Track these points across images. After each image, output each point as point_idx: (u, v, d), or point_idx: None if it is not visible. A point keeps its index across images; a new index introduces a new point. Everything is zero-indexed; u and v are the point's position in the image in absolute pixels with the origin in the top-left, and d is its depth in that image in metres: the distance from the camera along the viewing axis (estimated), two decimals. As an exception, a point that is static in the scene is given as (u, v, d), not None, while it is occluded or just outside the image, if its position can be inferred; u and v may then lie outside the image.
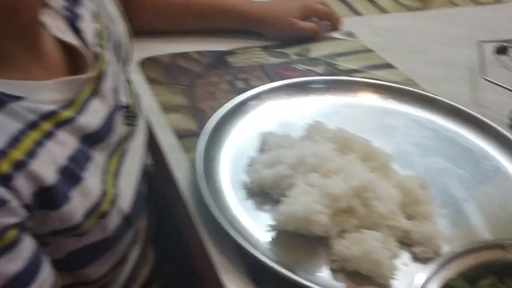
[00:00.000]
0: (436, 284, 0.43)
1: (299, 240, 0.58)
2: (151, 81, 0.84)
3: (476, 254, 0.46)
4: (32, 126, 0.46)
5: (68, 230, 0.48)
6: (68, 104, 0.50)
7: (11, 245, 0.41)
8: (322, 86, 0.83)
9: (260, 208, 0.62)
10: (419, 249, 0.58)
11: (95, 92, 0.55)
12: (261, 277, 0.54)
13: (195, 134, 0.72)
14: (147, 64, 0.89)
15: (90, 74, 0.54)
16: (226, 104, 0.76)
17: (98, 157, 0.53)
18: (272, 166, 0.64)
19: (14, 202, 0.42)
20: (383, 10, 1.18)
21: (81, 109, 0.52)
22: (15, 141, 0.43)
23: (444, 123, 0.80)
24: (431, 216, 0.60)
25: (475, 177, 0.70)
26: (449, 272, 0.44)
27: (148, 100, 0.79)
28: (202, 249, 0.57)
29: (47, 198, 0.45)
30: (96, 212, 0.50)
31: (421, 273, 0.46)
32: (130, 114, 0.63)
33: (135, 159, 0.61)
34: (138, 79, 0.84)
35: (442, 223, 0.62)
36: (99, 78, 0.55)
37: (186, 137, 0.72)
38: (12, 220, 0.41)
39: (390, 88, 0.84)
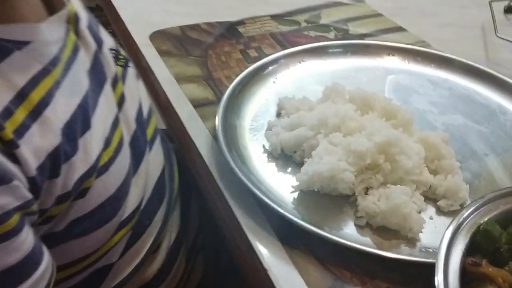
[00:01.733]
0: (469, 227, 0.43)
1: (323, 199, 0.58)
2: (163, 53, 0.84)
3: (506, 199, 0.46)
4: (46, 71, 0.45)
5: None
6: (64, 46, 0.49)
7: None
8: (338, 50, 0.82)
9: (283, 170, 0.62)
10: (444, 203, 0.58)
11: (77, 34, 0.52)
12: (287, 235, 0.54)
13: (212, 103, 0.72)
14: (157, 37, 0.88)
15: (68, 8, 0.51)
16: (244, 72, 0.75)
17: (102, 101, 0.52)
18: (292, 129, 0.64)
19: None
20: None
21: (74, 49, 0.50)
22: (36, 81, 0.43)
23: (459, 81, 0.79)
24: (454, 169, 0.60)
25: (494, 131, 0.70)
26: (481, 217, 0.44)
27: (162, 72, 0.79)
28: (228, 212, 0.57)
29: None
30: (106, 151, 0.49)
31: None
32: (120, 56, 0.61)
33: (133, 104, 0.59)
34: (150, 52, 0.84)
35: (465, 176, 0.62)
36: (76, 20, 0.53)
37: (203, 106, 0.72)
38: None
39: (404, 50, 0.83)
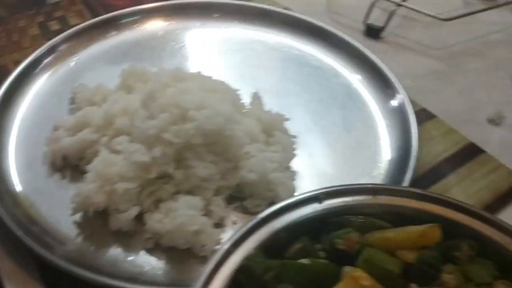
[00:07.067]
0: (232, 264, 0.36)
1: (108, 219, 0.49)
2: None
3: (290, 212, 0.39)
4: None
5: None
6: None
7: None
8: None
9: (64, 185, 0.52)
10: (251, 203, 0.51)
11: None
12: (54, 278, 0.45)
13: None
14: None
15: None
16: (31, 56, 0.63)
17: None
18: (79, 130, 0.54)
19: None
20: None
21: None
22: None
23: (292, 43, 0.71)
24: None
25: (322, 100, 0.63)
26: (250, 244, 0.37)
27: None
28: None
29: None
30: None
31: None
32: None
33: None
34: None
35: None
36: None
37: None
38: None
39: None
